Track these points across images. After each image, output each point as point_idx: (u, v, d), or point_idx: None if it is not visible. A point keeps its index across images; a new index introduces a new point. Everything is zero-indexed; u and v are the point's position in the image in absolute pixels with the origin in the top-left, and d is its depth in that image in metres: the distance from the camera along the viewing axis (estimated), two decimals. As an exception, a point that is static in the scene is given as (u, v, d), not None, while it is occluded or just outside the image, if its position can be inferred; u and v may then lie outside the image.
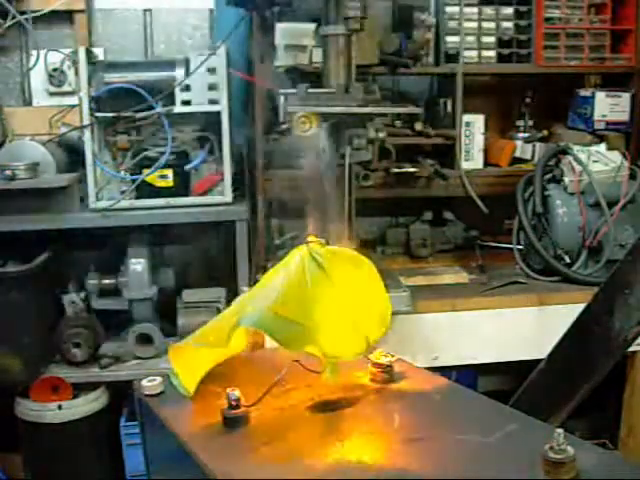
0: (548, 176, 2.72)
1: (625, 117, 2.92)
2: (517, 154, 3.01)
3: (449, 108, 2.83)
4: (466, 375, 2.84)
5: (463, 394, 1.28)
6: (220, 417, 1.13)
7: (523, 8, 2.88)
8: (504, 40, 2.89)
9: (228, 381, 1.19)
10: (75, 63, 2.66)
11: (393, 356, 1.32)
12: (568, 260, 2.62)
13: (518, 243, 2.77)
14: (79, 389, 2.58)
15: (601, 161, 2.67)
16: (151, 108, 2.49)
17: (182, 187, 2.59)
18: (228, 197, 2.58)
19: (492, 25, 2.88)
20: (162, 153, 2.53)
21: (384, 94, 2.69)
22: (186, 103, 2.51)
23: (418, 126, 2.74)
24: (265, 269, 2.52)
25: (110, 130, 2.58)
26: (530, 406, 1.48)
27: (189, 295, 2.72)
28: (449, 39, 2.84)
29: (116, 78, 2.51)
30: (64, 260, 2.83)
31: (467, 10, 2.84)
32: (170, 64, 2.57)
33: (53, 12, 2.85)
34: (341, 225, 2.15)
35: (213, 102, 2.51)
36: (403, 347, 1.92)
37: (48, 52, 2.88)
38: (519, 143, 3.02)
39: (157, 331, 2.62)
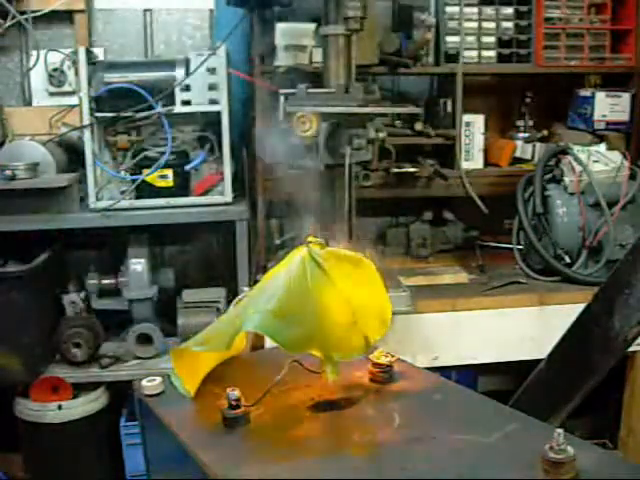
0: (548, 176, 2.72)
1: (625, 117, 2.92)
2: (517, 154, 3.00)
3: (449, 108, 2.83)
4: (466, 375, 2.85)
5: (463, 394, 1.28)
6: (220, 417, 1.13)
7: (523, 8, 2.88)
8: (504, 40, 2.89)
9: (228, 381, 1.19)
10: (75, 63, 2.66)
11: (393, 356, 1.32)
12: (568, 260, 2.62)
13: (518, 243, 2.77)
14: (79, 389, 2.58)
15: (601, 161, 2.67)
16: (151, 108, 2.49)
17: (182, 187, 2.59)
18: (228, 197, 2.58)
19: (492, 25, 2.88)
20: (162, 153, 2.53)
21: (384, 94, 2.69)
22: (186, 103, 2.51)
23: (418, 126, 2.74)
24: (265, 269, 2.53)
25: (110, 130, 2.58)
26: (530, 406, 1.47)
27: (189, 295, 2.72)
28: (449, 39, 2.83)
29: (116, 78, 2.51)
30: (64, 260, 2.83)
31: (467, 10, 2.84)
32: (170, 64, 2.57)
33: (53, 12, 2.85)
34: (341, 225, 2.15)
35: (213, 102, 2.51)
36: (403, 347, 1.92)
37: (48, 52, 2.88)
38: (519, 143, 3.02)
39: (157, 331, 2.62)
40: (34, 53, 2.89)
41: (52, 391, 2.54)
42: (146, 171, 2.53)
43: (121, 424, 2.63)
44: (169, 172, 2.56)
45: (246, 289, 2.38)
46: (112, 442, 2.65)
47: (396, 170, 2.65)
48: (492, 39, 2.88)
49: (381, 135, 2.18)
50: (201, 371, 1.27)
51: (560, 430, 0.95)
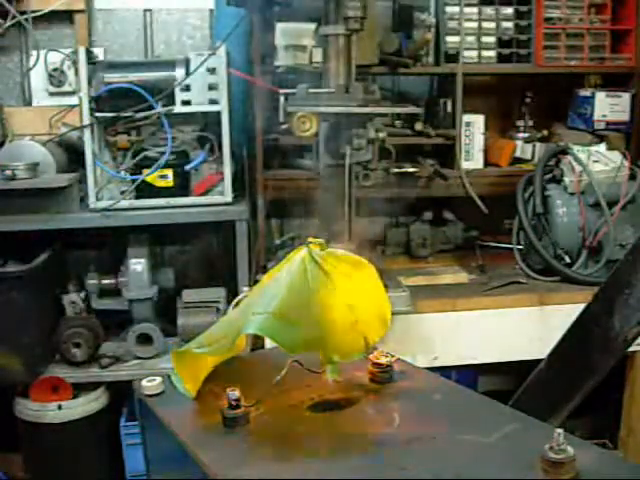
0: (548, 176, 2.73)
1: (625, 117, 2.92)
2: (517, 154, 3.01)
3: (449, 108, 2.83)
4: (466, 375, 2.85)
5: (463, 394, 1.28)
6: (220, 417, 1.13)
7: (523, 8, 2.88)
8: (504, 40, 2.89)
9: (228, 381, 1.19)
10: (75, 63, 2.66)
11: (393, 356, 1.32)
12: (568, 260, 2.62)
13: (518, 243, 2.77)
14: (79, 389, 2.58)
15: (601, 161, 2.67)
16: (151, 108, 2.49)
17: (182, 187, 2.59)
18: (228, 197, 2.58)
19: (492, 25, 2.88)
20: (162, 153, 2.53)
21: (384, 94, 2.69)
22: (186, 103, 2.51)
23: (418, 126, 2.74)
24: (265, 269, 2.53)
25: (110, 130, 2.58)
26: (530, 406, 1.47)
27: (189, 295, 2.72)
28: (449, 39, 2.84)
29: (116, 78, 2.51)
30: (64, 260, 2.83)
31: (467, 10, 2.84)
32: (170, 64, 2.57)
33: (53, 12, 2.85)
34: (341, 225, 2.15)
35: (213, 102, 2.51)
36: (403, 347, 1.92)
37: (48, 52, 2.88)
38: (519, 143, 3.02)
39: (157, 331, 2.62)
40: (34, 53, 2.89)
41: (52, 391, 2.54)
42: (146, 171, 2.53)
43: (121, 424, 2.63)
44: (169, 172, 2.56)
45: (246, 289, 2.39)
46: (112, 442, 2.65)
47: (396, 170, 2.65)
48: (492, 39, 2.88)
49: (381, 135, 2.18)
50: (202, 372, 1.27)
51: (560, 430, 0.95)
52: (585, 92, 2.96)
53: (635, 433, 2.66)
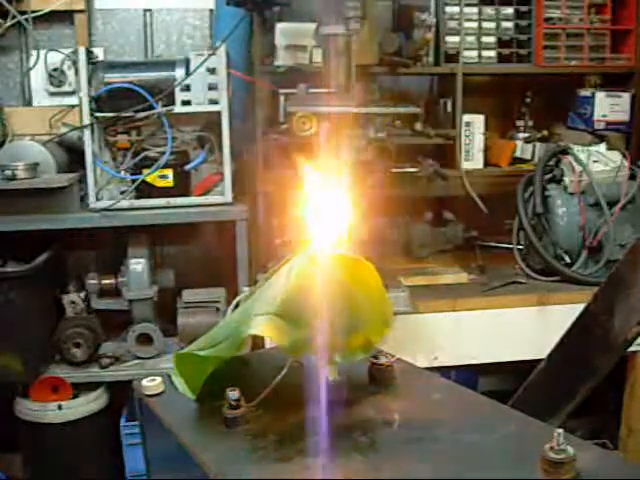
0: (548, 176, 2.73)
1: (625, 117, 2.92)
2: (517, 154, 3.01)
3: (449, 108, 2.83)
4: (466, 375, 2.84)
5: (463, 394, 1.28)
6: (220, 417, 1.13)
7: (523, 8, 2.88)
8: (504, 40, 2.89)
9: (228, 381, 1.19)
10: (75, 63, 2.66)
11: (393, 356, 1.32)
12: (568, 260, 2.62)
13: (518, 243, 2.77)
14: (79, 389, 2.58)
15: (601, 161, 2.67)
16: (151, 108, 2.49)
17: (182, 187, 2.59)
18: (228, 197, 2.58)
19: (492, 25, 2.88)
20: (162, 153, 2.53)
21: (384, 94, 2.69)
22: (186, 103, 2.51)
23: (418, 126, 2.74)
24: (265, 269, 2.52)
25: (110, 130, 2.58)
26: (530, 406, 1.47)
27: (189, 295, 2.72)
28: (449, 39, 2.84)
29: (116, 78, 2.51)
30: (64, 260, 2.83)
31: (467, 10, 2.84)
32: (170, 64, 2.57)
33: (53, 12, 2.85)
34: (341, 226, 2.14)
35: (213, 102, 2.51)
36: (403, 347, 1.91)
37: (48, 52, 2.88)
38: (519, 143, 3.02)
39: (157, 331, 2.62)
40: (34, 53, 2.89)
41: (52, 391, 2.54)
42: (146, 171, 2.53)
43: (121, 424, 2.63)
44: (169, 172, 2.56)
45: (246, 289, 2.39)
46: (112, 442, 2.65)
47: (396, 170, 2.65)
48: (492, 39, 2.89)
49: (381, 135, 2.18)
50: (203, 373, 1.27)
51: (560, 430, 0.95)
52: (585, 92, 2.96)
53: (635, 433, 2.66)
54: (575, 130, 2.98)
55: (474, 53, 2.87)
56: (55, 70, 2.89)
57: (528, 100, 3.03)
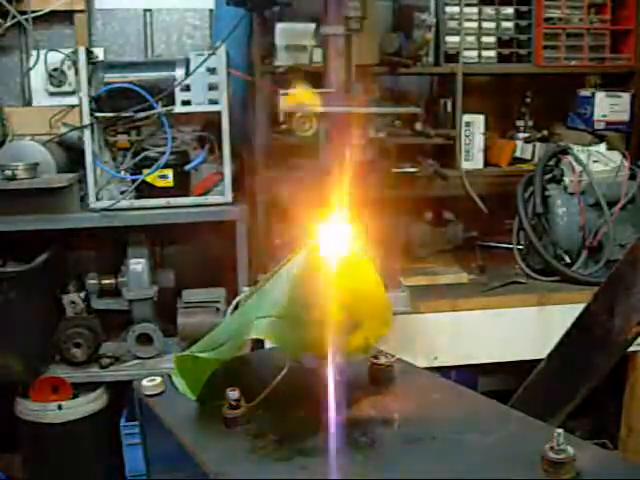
0: (548, 176, 2.73)
1: (625, 117, 2.93)
2: (517, 154, 3.01)
3: (449, 108, 2.83)
4: (466, 375, 2.84)
5: (463, 394, 1.28)
6: (220, 417, 1.13)
7: (523, 8, 2.88)
8: (504, 40, 2.89)
9: (228, 381, 1.19)
10: (75, 63, 2.66)
11: (393, 356, 1.32)
12: (568, 260, 2.62)
13: (518, 243, 2.77)
14: (79, 389, 2.58)
15: (601, 161, 2.67)
16: (151, 108, 2.49)
17: (182, 187, 2.59)
18: (228, 197, 2.58)
19: (492, 25, 2.88)
20: (162, 153, 2.53)
21: (384, 94, 2.69)
22: (186, 103, 2.51)
23: (418, 126, 2.74)
24: (265, 269, 2.52)
25: (110, 130, 2.58)
26: (530, 406, 1.47)
27: (189, 295, 2.72)
28: (449, 39, 2.84)
29: (116, 78, 2.51)
30: (64, 260, 2.83)
31: (467, 10, 2.84)
32: (170, 64, 2.57)
33: (53, 12, 2.85)
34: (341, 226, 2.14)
35: (213, 102, 2.51)
36: (403, 347, 1.91)
37: (48, 52, 2.88)
38: (519, 143, 3.02)
39: (157, 331, 2.62)
40: (34, 53, 2.89)
41: (52, 391, 2.54)
42: (146, 171, 2.53)
43: (121, 424, 2.63)
44: (169, 172, 2.56)
45: (246, 289, 2.38)
46: (112, 442, 2.65)
47: (396, 170, 2.65)
48: (492, 39, 2.89)
49: (381, 135, 2.18)
50: (204, 374, 1.27)
51: (560, 430, 0.95)
52: (585, 92, 2.96)
53: (635, 433, 2.66)
54: (575, 130, 2.99)
55: (474, 53, 2.87)
56: (55, 70, 2.89)
57: (528, 100, 3.03)
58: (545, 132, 3.01)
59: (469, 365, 2.53)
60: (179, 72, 2.53)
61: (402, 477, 0.99)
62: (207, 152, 2.63)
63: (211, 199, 2.60)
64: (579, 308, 1.83)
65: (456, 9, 2.81)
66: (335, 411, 1.18)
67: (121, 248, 2.69)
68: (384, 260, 2.84)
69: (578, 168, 2.64)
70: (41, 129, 2.86)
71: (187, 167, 2.60)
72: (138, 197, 2.56)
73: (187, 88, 2.50)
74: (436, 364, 2.40)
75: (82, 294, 2.67)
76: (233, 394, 1.13)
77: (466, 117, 2.86)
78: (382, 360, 1.30)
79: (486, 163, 2.97)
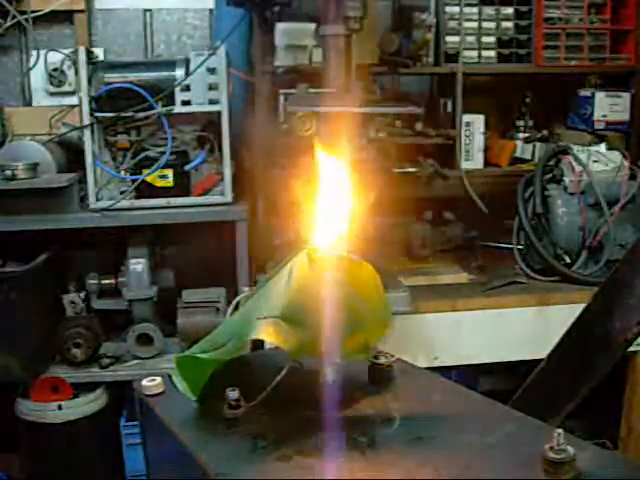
0: (548, 176, 2.73)
1: (625, 117, 2.93)
2: (517, 154, 3.01)
3: (449, 108, 2.83)
4: (466, 375, 2.85)
5: (463, 394, 1.28)
6: (220, 417, 1.13)
7: (523, 8, 2.89)
8: (504, 40, 2.89)
9: (228, 381, 1.19)
10: (75, 63, 2.66)
11: (393, 356, 1.32)
12: (568, 260, 2.63)
13: (518, 243, 2.77)
14: (79, 389, 2.58)
15: (601, 161, 2.67)
16: (151, 108, 2.49)
17: (182, 187, 2.59)
18: (228, 197, 2.58)
19: (492, 25, 2.89)
20: (162, 153, 2.53)
21: (384, 94, 2.69)
22: (186, 103, 2.51)
23: (418, 126, 2.74)
24: (265, 269, 2.52)
25: (110, 130, 2.58)
26: (530, 406, 1.47)
27: (189, 295, 2.72)
28: (449, 39, 2.84)
29: (116, 78, 2.51)
30: (64, 260, 2.83)
31: (467, 10, 2.84)
32: (170, 64, 2.57)
33: (53, 12, 2.85)
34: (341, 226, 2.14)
35: (213, 102, 2.51)
36: (403, 347, 1.91)
37: (48, 52, 2.88)
38: (519, 143, 3.02)
39: (157, 331, 2.62)
40: (34, 53, 2.89)
41: (52, 391, 2.54)
42: (146, 171, 2.53)
43: (121, 424, 2.63)
44: (169, 172, 2.56)
45: (246, 289, 2.38)
46: (112, 442, 2.65)
47: (396, 170, 2.65)
48: (492, 39, 2.89)
49: (381, 135, 2.18)
50: (204, 375, 1.27)
51: (560, 430, 0.95)
52: (585, 92, 2.96)
53: (635, 433, 2.66)
54: (575, 130, 2.99)
55: (474, 53, 2.88)
56: (55, 70, 2.89)
57: (528, 100, 3.03)
58: (545, 132, 3.01)
59: (469, 365, 2.53)
60: (179, 72, 2.53)
61: (402, 477, 0.99)
62: (207, 152, 2.63)
63: (211, 199, 2.60)
64: (579, 308, 1.83)
65: (456, 9, 2.82)
66: (335, 411, 1.19)
67: (121, 248, 2.69)
68: (384, 260, 2.84)
69: (578, 168, 2.64)
70: (41, 129, 2.86)
71: (187, 167, 2.60)
72: (138, 197, 2.56)
73: (187, 88, 2.50)
74: (436, 364, 2.40)
75: (82, 294, 2.67)
76: (233, 394, 1.13)
77: (466, 117, 2.86)
78: (382, 360, 1.30)
79: (486, 163, 2.97)
